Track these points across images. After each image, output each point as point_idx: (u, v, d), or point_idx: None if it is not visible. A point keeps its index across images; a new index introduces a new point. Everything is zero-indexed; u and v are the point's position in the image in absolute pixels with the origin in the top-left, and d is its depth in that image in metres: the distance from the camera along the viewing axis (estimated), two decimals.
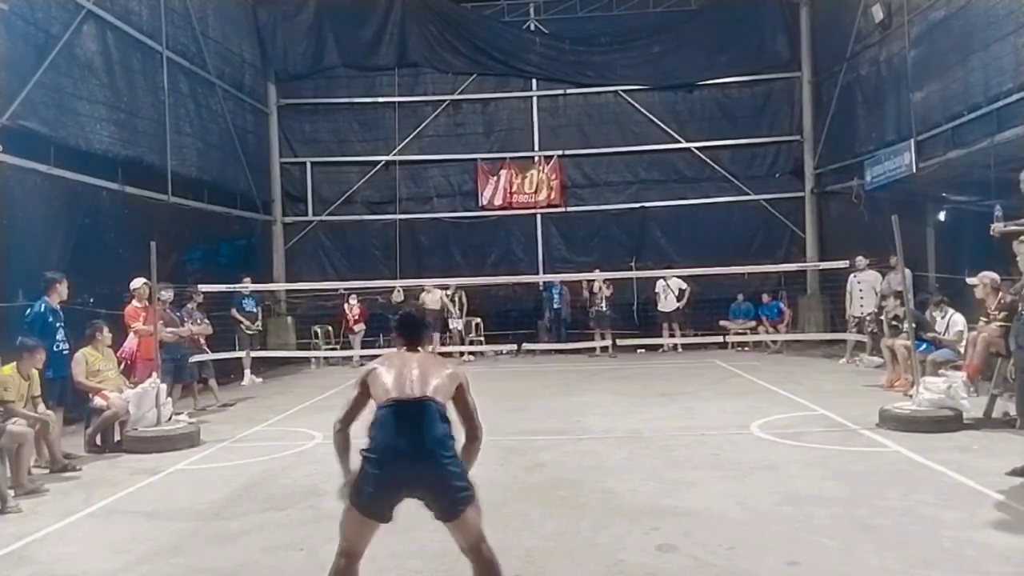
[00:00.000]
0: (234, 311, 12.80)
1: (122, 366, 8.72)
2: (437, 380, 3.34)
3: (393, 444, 3.15)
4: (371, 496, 3.16)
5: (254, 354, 13.04)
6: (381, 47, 17.21)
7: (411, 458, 3.14)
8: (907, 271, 9.13)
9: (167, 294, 9.70)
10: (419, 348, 3.60)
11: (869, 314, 12.16)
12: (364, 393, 3.42)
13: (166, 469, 6.89)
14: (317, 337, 16.01)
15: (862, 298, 12.40)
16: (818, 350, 14.35)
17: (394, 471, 3.14)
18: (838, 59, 15.03)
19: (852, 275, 12.51)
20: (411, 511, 5.32)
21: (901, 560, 4.12)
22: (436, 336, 15.52)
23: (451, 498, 3.18)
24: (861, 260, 12.29)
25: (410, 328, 3.70)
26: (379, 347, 15.55)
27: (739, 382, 11.22)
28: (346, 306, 15.51)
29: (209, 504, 5.71)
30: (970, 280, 8.39)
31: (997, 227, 6.40)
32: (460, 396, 3.46)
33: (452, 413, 3.37)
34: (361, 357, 15.48)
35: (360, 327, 15.59)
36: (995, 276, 8.08)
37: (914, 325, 8.41)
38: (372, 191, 17.57)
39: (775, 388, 10.22)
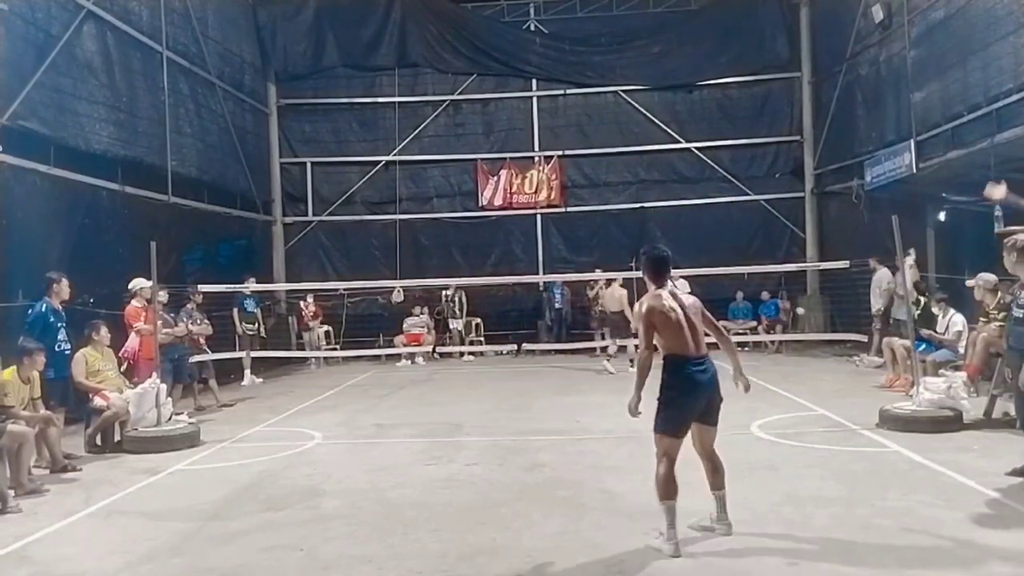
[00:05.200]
0: (236, 312, 12.79)
1: (124, 366, 8.73)
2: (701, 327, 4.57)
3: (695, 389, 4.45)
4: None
5: (254, 354, 13.04)
6: (381, 47, 17.21)
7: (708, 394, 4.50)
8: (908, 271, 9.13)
9: (162, 295, 9.68)
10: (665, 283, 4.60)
11: (877, 311, 12.04)
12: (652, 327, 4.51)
13: (166, 469, 6.88)
14: (317, 338, 16.01)
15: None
16: (818, 350, 14.35)
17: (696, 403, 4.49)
18: (838, 59, 15.03)
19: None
20: (412, 512, 5.35)
21: (900, 560, 4.12)
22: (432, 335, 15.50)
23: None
24: (872, 262, 12.14)
25: (660, 265, 4.63)
26: (374, 347, 15.63)
27: None
28: (302, 303, 15.50)
29: (209, 504, 5.71)
30: (969, 282, 8.42)
31: (1000, 230, 6.45)
32: (707, 319, 4.66)
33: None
34: (324, 359, 15.44)
35: (316, 324, 15.61)
36: (992, 277, 8.09)
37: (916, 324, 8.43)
38: (372, 191, 17.59)
39: (775, 388, 10.21)
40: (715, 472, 4.62)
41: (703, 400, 4.46)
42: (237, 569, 4.40)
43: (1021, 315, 5.65)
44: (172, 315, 9.96)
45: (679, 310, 4.52)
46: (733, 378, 4.67)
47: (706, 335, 4.68)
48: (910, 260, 9.99)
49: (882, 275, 12.05)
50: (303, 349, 15.56)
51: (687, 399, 4.44)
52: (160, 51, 12.50)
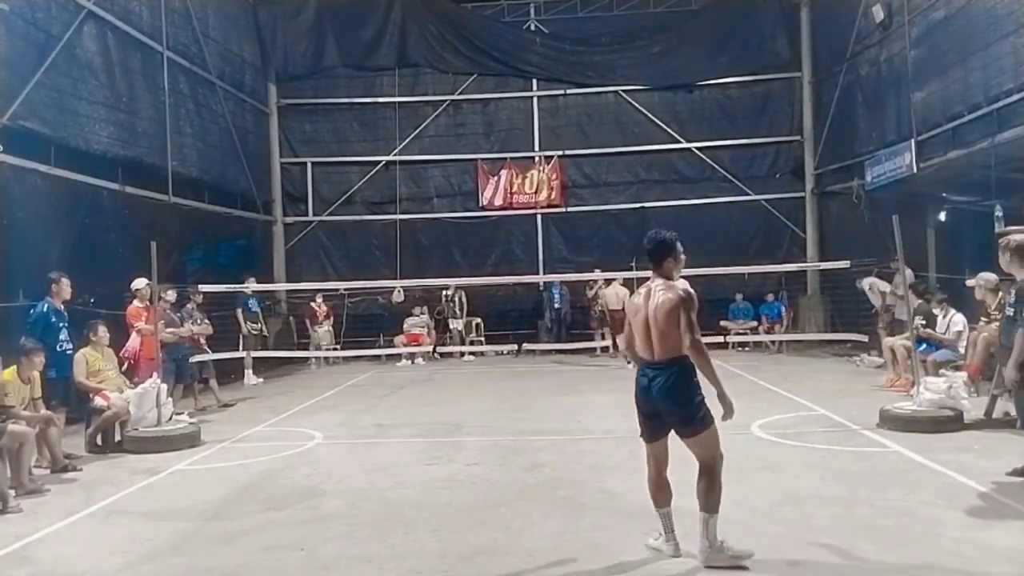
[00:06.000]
0: (239, 312, 12.79)
1: (124, 366, 8.73)
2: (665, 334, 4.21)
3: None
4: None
5: (255, 354, 13.04)
6: (381, 47, 17.22)
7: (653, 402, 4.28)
8: (908, 271, 9.13)
9: (170, 295, 9.72)
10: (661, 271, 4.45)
11: (874, 312, 12.05)
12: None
13: (166, 469, 6.89)
14: (319, 336, 16.01)
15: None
16: (819, 350, 14.35)
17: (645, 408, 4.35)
18: (838, 59, 15.03)
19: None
20: (412, 512, 5.35)
21: (901, 560, 4.12)
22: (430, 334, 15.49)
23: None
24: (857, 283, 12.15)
25: (651, 253, 4.56)
26: (374, 348, 15.63)
27: (739, 382, 11.17)
28: (313, 304, 15.54)
29: (209, 504, 5.71)
30: (969, 282, 8.42)
31: (1001, 230, 6.45)
32: (686, 323, 4.20)
33: None
34: (324, 359, 15.44)
35: (328, 323, 15.65)
36: (992, 277, 8.09)
37: (923, 322, 8.43)
38: (372, 191, 17.60)
39: (775, 388, 10.22)
40: (701, 491, 4.21)
41: (645, 407, 4.36)
42: (237, 569, 4.40)
43: (1012, 313, 5.68)
44: (177, 315, 9.98)
45: (644, 311, 4.34)
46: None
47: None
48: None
49: (868, 280, 12.03)
50: (306, 349, 15.56)
51: (637, 403, 4.41)
52: (160, 51, 12.50)
